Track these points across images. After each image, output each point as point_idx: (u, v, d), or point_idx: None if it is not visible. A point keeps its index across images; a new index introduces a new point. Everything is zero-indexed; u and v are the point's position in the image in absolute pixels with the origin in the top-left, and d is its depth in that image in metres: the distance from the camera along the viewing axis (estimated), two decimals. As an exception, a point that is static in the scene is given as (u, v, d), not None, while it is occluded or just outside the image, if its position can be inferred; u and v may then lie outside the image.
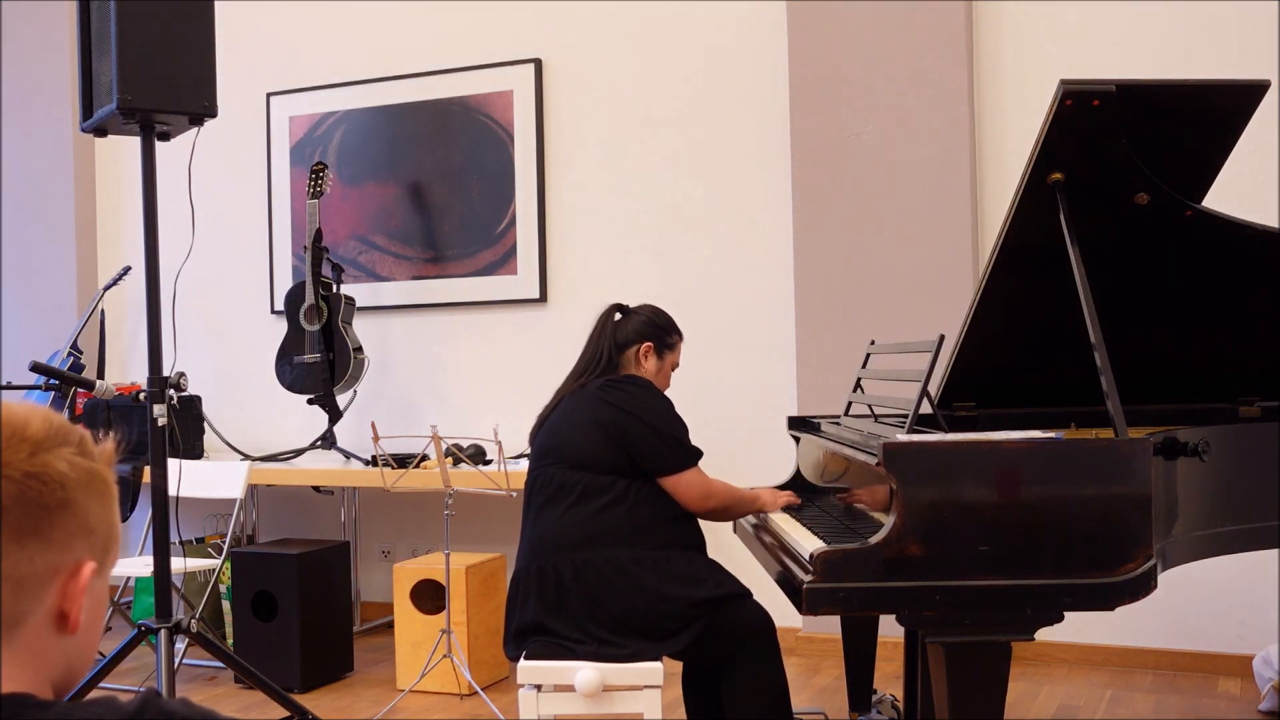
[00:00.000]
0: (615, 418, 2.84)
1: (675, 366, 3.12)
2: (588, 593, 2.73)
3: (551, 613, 2.76)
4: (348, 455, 5.10)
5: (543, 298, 5.15)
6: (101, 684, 3.45)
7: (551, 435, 2.94)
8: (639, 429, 2.83)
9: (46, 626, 1.00)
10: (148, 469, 3.46)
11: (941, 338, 2.58)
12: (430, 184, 5.35)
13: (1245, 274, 2.76)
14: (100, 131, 3.52)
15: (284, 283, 5.54)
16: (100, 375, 5.63)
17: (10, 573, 0.96)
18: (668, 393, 3.02)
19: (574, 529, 2.80)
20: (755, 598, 2.82)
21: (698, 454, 2.90)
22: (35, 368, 3.46)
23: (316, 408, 5.14)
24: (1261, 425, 2.71)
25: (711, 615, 2.72)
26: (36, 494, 0.97)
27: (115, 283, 5.64)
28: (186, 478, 3.94)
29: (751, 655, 2.73)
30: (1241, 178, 3.76)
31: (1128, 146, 2.48)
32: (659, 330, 3.05)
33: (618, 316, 3.09)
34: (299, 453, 5.25)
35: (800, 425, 3.33)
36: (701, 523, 2.95)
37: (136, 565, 4.36)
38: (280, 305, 5.37)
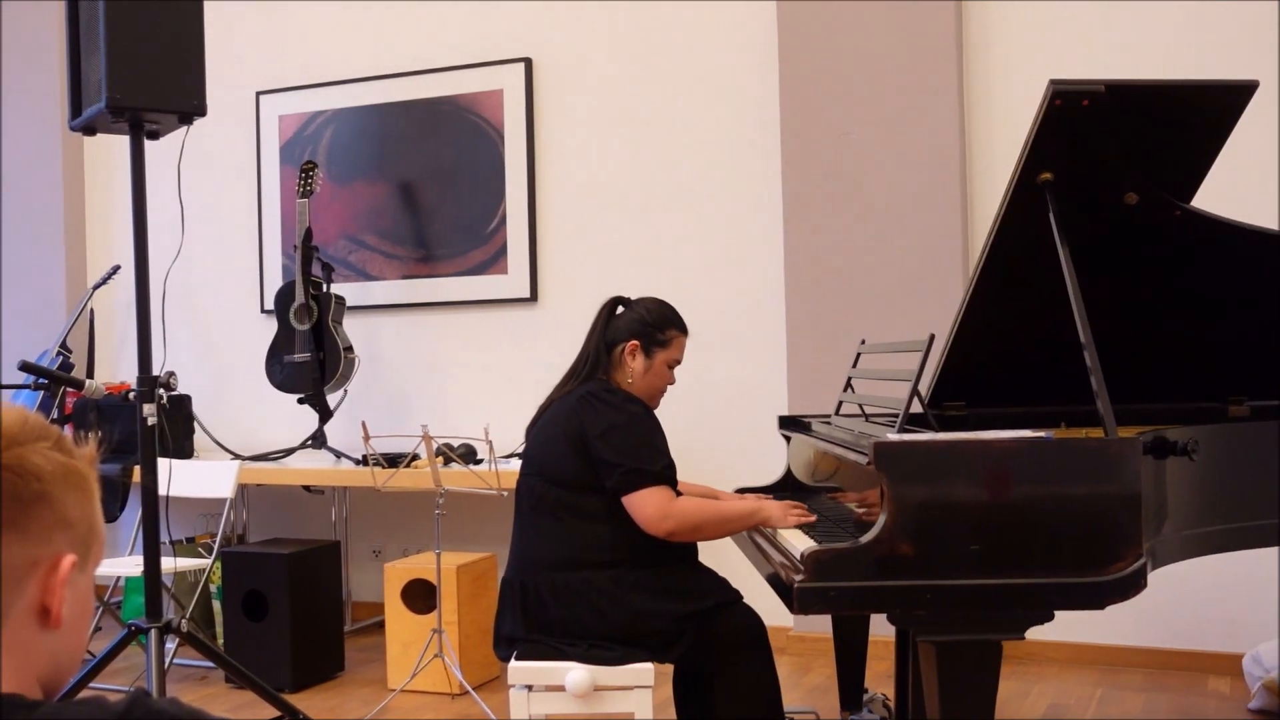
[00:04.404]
0: (580, 434, 2.77)
1: (675, 364, 2.96)
2: (569, 613, 2.72)
3: (535, 629, 2.76)
4: (338, 455, 5.09)
5: (533, 297, 5.15)
6: (92, 684, 3.43)
7: (534, 444, 2.91)
8: (596, 447, 2.74)
9: (29, 621, 1.00)
10: (137, 468, 3.45)
11: (932, 337, 2.58)
12: (420, 183, 5.34)
13: (1233, 274, 2.77)
14: (89, 130, 3.51)
15: (274, 282, 5.53)
16: (89, 374, 5.61)
17: None
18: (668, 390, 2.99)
19: (553, 547, 2.78)
20: (746, 599, 2.81)
21: (653, 474, 2.71)
22: (24, 367, 3.45)
23: (307, 407, 5.13)
24: (1250, 425, 2.72)
25: (701, 624, 2.71)
26: (11, 486, 0.98)
27: (104, 282, 5.62)
28: (176, 477, 3.92)
29: (743, 659, 2.72)
30: (1241, 178, 3.77)
31: (1117, 147, 2.48)
32: (648, 327, 2.93)
33: (619, 310, 3.00)
34: (289, 452, 5.24)
35: (791, 425, 3.33)
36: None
37: (126, 565, 4.34)
38: (270, 304, 5.36)
